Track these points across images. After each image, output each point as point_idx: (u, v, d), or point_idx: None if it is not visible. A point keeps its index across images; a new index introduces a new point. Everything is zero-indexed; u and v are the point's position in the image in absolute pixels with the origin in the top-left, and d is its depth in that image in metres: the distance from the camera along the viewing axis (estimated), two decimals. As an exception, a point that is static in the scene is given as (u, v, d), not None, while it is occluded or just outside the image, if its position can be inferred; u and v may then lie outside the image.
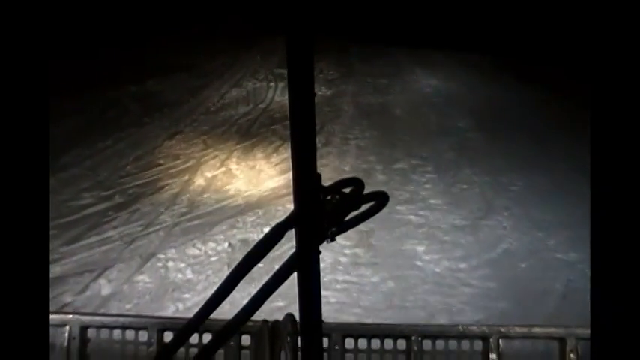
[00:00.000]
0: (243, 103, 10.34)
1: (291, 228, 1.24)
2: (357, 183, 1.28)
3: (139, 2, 15.17)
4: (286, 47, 1.10)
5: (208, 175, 7.18)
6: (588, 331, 1.23)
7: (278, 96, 10.68)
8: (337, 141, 8.42)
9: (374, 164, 7.55)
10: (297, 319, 1.39)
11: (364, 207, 1.30)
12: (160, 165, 7.49)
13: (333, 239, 1.24)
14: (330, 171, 7.16)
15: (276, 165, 7.45)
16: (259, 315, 1.42)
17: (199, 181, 6.98)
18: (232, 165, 7.49)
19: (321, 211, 1.20)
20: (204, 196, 6.60)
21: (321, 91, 11.04)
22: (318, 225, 1.21)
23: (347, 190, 1.26)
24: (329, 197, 1.22)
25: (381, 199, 1.30)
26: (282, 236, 1.24)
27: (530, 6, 14.26)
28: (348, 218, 1.24)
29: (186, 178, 7.08)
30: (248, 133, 8.69)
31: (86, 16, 13.61)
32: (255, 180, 7.03)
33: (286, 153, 7.80)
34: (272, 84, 11.53)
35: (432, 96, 11.32)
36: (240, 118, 9.44)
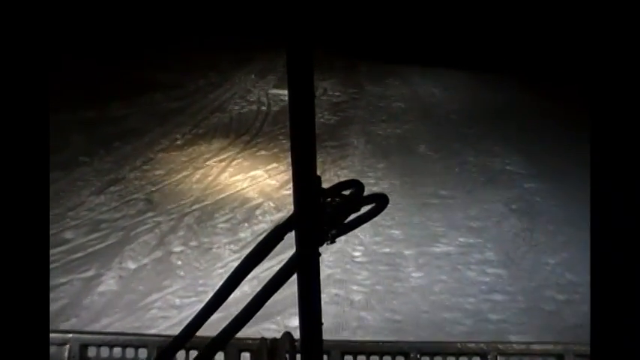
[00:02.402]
0: (222, 134, 7.01)
1: (290, 230, 1.07)
2: (356, 185, 1.11)
3: (119, 8, 11.82)
4: (286, 46, 0.95)
5: (131, 265, 3.87)
6: (586, 348, 1.21)
7: (268, 125, 7.37)
8: (343, 198, 5.08)
9: (400, 245, 4.21)
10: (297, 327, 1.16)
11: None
12: (65, 242, 4.19)
13: (333, 241, 1.07)
14: (335, 260, 3.87)
15: (245, 246, 4.12)
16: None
17: (110, 282, 3.67)
18: (175, 245, 4.16)
19: (321, 213, 1.05)
20: (104, 321, 3.26)
21: (323, 117, 7.73)
22: (318, 227, 1.05)
23: (347, 192, 1.09)
24: (329, 199, 1.06)
25: (381, 201, 1.11)
26: (281, 238, 1.06)
27: (548, 22, 11.13)
28: (347, 220, 1.05)
29: (92, 273, 3.76)
30: (215, 184, 5.36)
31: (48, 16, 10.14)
32: (204, 280, 3.70)
33: (266, 224, 4.46)
34: (264, 108, 8.23)
35: (460, 125, 7.97)
36: (211, 157, 6.12)
